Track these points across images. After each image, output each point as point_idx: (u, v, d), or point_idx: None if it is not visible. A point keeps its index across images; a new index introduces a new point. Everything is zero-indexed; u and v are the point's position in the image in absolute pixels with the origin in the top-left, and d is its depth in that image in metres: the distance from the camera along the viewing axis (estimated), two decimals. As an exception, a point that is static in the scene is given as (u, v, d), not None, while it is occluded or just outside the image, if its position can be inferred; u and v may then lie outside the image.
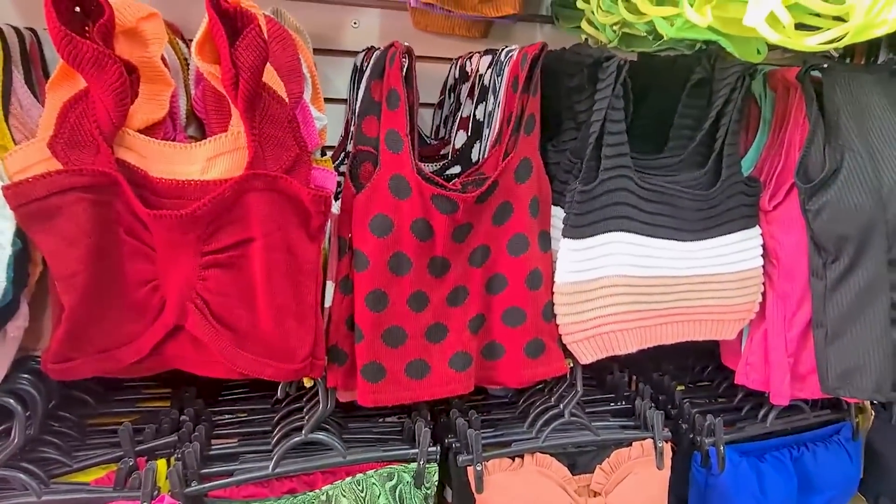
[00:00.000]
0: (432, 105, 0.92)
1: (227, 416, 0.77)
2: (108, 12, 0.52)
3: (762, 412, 0.82)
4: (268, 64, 0.59)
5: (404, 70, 0.62)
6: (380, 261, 0.62)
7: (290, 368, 0.62)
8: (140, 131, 0.58)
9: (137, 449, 0.67)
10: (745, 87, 0.71)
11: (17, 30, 0.63)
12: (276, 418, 0.73)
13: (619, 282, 0.69)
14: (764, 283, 0.77)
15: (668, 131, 0.74)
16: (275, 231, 0.59)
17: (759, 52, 0.73)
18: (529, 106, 0.65)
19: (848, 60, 0.93)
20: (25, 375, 0.62)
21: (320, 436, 0.67)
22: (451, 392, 0.67)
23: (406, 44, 0.62)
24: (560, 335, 0.70)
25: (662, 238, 0.71)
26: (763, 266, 0.76)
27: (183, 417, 0.71)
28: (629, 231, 0.69)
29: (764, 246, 0.76)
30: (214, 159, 0.59)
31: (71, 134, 0.55)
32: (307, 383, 0.68)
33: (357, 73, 0.83)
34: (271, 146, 0.59)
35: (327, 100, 0.87)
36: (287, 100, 0.61)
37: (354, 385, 0.66)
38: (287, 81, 0.64)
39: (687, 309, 0.74)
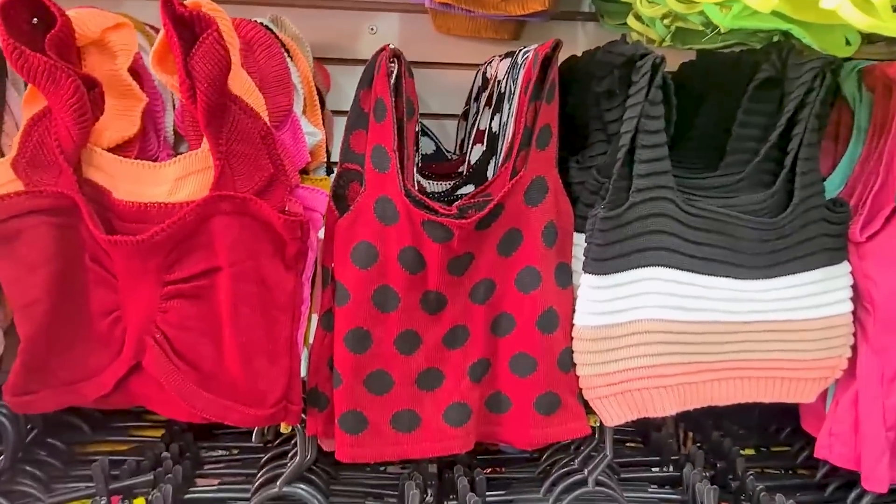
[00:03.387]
0: (456, 116, 0.83)
1: (216, 453, 0.71)
2: (60, 22, 0.48)
3: (853, 496, 0.65)
4: (241, 73, 0.54)
5: (393, 77, 0.54)
6: (362, 295, 0.54)
7: (259, 414, 0.55)
8: (112, 149, 0.54)
9: (115, 486, 0.63)
10: (826, 88, 0.56)
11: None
12: (262, 460, 0.67)
13: (655, 327, 0.56)
14: (854, 334, 0.61)
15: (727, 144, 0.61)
16: (244, 259, 0.53)
17: (848, 42, 0.59)
18: (543, 115, 0.55)
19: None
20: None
21: (298, 489, 0.60)
22: (445, 450, 0.57)
23: (394, 47, 0.54)
24: (580, 389, 0.58)
25: (713, 275, 0.57)
26: (853, 312, 0.60)
27: (165, 454, 0.66)
28: (669, 266, 0.56)
29: (854, 287, 0.60)
30: (183, 179, 0.54)
31: (33, 153, 0.52)
32: (284, 430, 0.61)
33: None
34: (241, 164, 0.53)
35: (344, 112, 0.81)
36: (264, 113, 0.55)
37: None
38: (273, 93, 0.58)
39: (747, 363, 0.59)
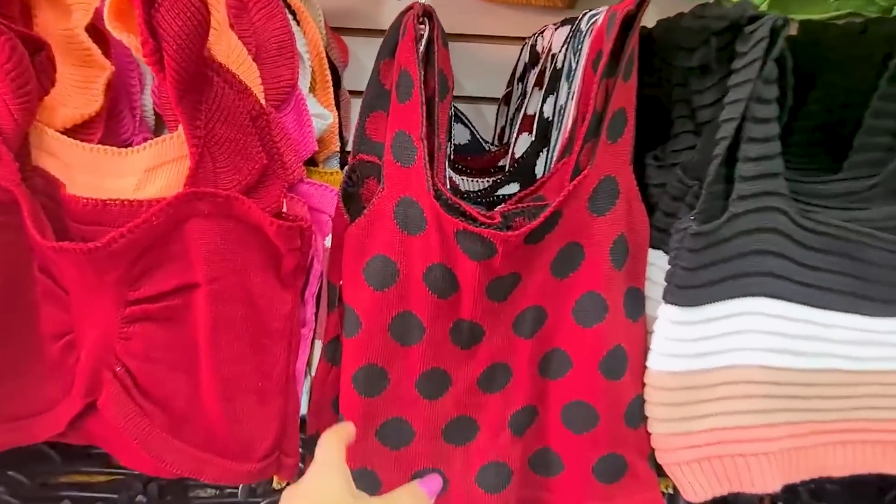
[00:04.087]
0: (496, 101, 0.70)
1: (206, 492, 0.60)
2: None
3: None
4: (230, 37, 0.42)
5: (422, 43, 0.42)
6: (377, 323, 0.42)
7: (244, 469, 0.44)
8: (69, 131, 0.43)
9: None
10: None
11: None
12: (258, 508, 0.56)
13: (756, 375, 0.43)
14: None
15: (851, 139, 0.47)
16: (228, 274, 0.42)
17: None
18: (618, 96, 0.42)
19: None
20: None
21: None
22: (476, 522, 0.45)
23: (425, 2, 0.42)
24: (653, 450, 0.45)
25: (834, 310, 0.44)
26: None
27: (140, 498, 0.56)
28: (777, 297, 0.43)
29: None
30: (154, 171, 0.42)
31: (-31, 136, 0.41)
32: (277, 485, 0.49)
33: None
34: (226, 153, 0.41)
35: (360, 93, 0.69)
36: (259, 88, 0.43)
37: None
38: (272, 64, 0.46)
39: (873, 424, 0.46)
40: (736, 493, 0.45)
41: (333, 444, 0.34)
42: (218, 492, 0.62)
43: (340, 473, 0.32)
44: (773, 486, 0.44)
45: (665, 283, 0.43)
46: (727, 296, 0.43)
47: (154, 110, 0.49)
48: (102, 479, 0.63)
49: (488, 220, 0.41)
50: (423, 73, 0.41)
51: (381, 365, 0.43)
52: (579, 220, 0.43)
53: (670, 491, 0.48)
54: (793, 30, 0.58)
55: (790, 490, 0.63)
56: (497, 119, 0.71)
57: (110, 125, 0.46)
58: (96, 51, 0.43)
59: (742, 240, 0.42)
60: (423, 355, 0.43)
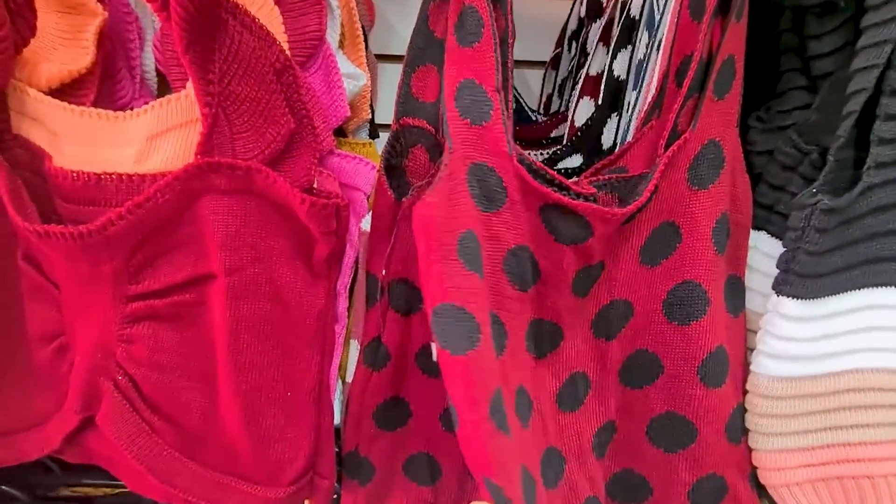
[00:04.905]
0: (542, 65, 0.62)
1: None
2: None
3: None
4: (247, -28, 0.34)
5: (488, -25, 0.34)
6: (486, 320, 0.34)
7: (272, 496, 0.37)
8: (54, 92, 0.36)
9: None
10: None
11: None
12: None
13: (889, 382, 0.36)
14: None
15: None
16: (249, 263, 0.34)
17: None
18: (729, 41, 0.34)
19: None
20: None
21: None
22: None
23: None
24: (756, 470, 0.38)
25: (982, 301, 0.36)
26: None
27: (149, 518, 0.49)
28: (916, 287, 0.35)
29: None
30: (159, 138, 0.35)
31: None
32: (308, 510, 0.42)
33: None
34: (245, 115, 0.34)
35: (390, 57, 0.61)
36: (283, 38, 0.36)
37: (386, 517, 0.39)
38: (296, 11, 0.39)
39: None
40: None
41: None
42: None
43: None
44: (906, 513, 0.37)
45: (777, 271, 0.36)
46: (856, 286, 0.35)
47: (157, 70, 0.42)
48: (108, 491, 0.57)
49: (584, 190, 0.33)
50: (493, 11, 0.33)
51: (500, 386, 0.33)
52: (677, 195, 0.35)
53: (769, 514, 0.40)
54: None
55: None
56: (543, 85, 0.63)
57: (105, 87, 0.39)
58: (85, -8, 0.35)
59: (878, 217, 0.35)
60: (510, 369, 0.35)
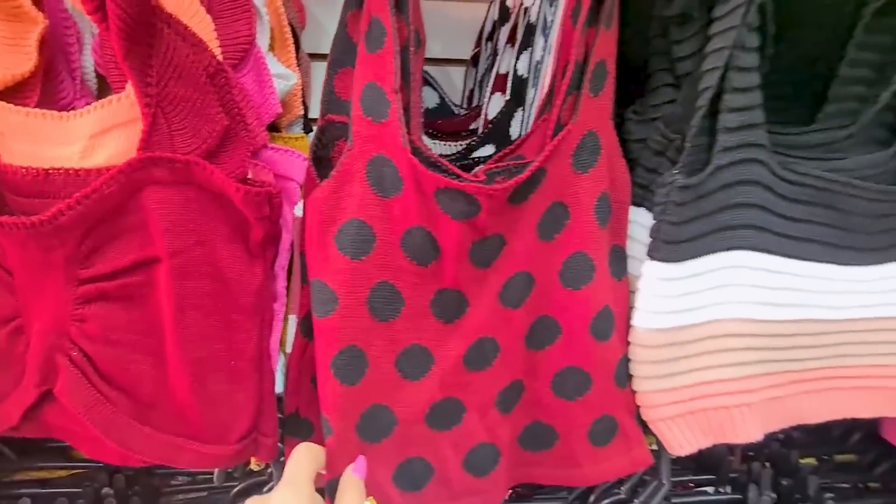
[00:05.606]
0: (464, 62, 0.68)
1: (177, 480, 0.58)
2: None
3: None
4: (179, -15, 0.38)
5: (394, -11, 0.39)
6: (355, 297, 0.39)
7: (220, 453, 0.41)
8: (0, 95, 0.39)
9: (41, 534, 0.49)
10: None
11: None
12: (234, 492, 0.53)
13: (738, 328, 0.43)
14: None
15: (827, 89, 0.47)
16: (191, 247, 0.38)
17: None
18: (600, 46, 0.40)
19: None
20: None
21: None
22: (466, 509, 0.44)
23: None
24: (639, 408, 0.45)
25: (812, 260, 0.44)
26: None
27: (106, 490, 0.53)
28: (759, 249, 0.43)
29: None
30: (101, 136, 0.39)
31: None
32: (255, 466, 0.47)
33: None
34: (182, 114, 0.38)
35: (321, 55, 0.65)
36: (215, 44, 0.40)
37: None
38: (227, 18, 0.43)
39: (847, 370, 0.47)
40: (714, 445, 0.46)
41: (304, 463, 0.34)
42: (191, 479, 0.59)
43: (306, 496, 0.32)
44: (755, 435, 0.45)
45: (649, 240, 0.43)
46: (711, 250, 0.42)
47: (96, 72, 0.45)
48: (63, 473, 0.59)
49: (471, 177, 0.39)
50: (395, 19, 0.38)
51: (360, 346, 0.40)
52: (563, 177, 0.41)
53: (654, 447, 0.48)
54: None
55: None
56: (465, 81, 0.68)
57: (47, 89, 0.42)
58: (27, 2, 0.38)
59: (726, 192, 0.42)
60: (404, 330, 0.41)
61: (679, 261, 0.42)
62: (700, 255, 0.42)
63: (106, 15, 0.33)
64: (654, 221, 0.42)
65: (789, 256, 0.44)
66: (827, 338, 0.46)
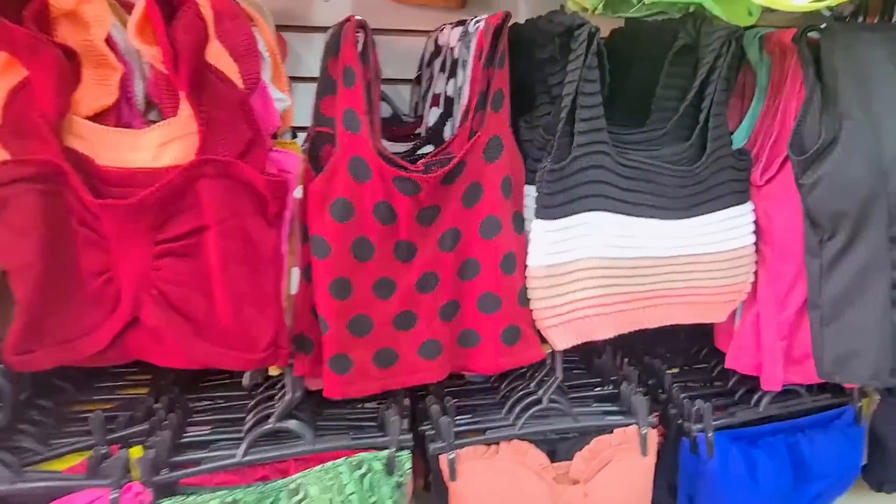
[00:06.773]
0: (410, 81, 0.88)
1: (203, 403, 0.76)
2: (39, -6, 0.50)
3: (756, 397, 0.79)
4: (215, 43, 0.57)
5: (360, 45, 0.59)
6: (342, 247, 0.60)
7: (252, 358, 0.61)
8: (90, 118, 0.57)
9: (111, 437, 0.67)
10: (732, 54, 0.66)
11: None
12: (249, 405, 0.72)
13: (595, 264, 0.66)
14: (756, 263, 0.73)
15: (651, 104, 0.70)
16: (229, 218, 0.58)
17: (750, 13, 0.68)
18: (496, 80, 0.62)
19: (861, 20, 0.87)
20: (-6, 366, 0.62)
21: (290, 423, 0.66)
22: (419, 380, 0.65)
23: (360, 18, 0.59)
24: (534, 320, 0.67)
25: (643, 217, 0.67)
26: (755, 244, 0.72)
27: (157, 405, 0.71)
28: (607, 210, 0.65)
29: (756, 223, 0.72)
30: (166, 145, 0.57)
31: (16, 123, 0.54)
32: (273, 372, 0.67)
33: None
34: (222, 130, 0.57)
35: (299, 78, 0.85)
36: (239, 82, 0.59)
37: (322, 373, 0.64)
38: (242, 62, 0.62)
39: (671, 291, 0.70)
40: (588, 345, 0.68)
41: None
42: (212, 402, 0.77)
43: None
44: (609, 334, 0.68)
45: (535, 206, 0.65)
46: (574, 212, 0.65)
47: (147, 99, 0.63)
48: (110, 405, 0.77)
49: (415, 168, 0.60)
50: (362, 67, 0.58)
51: (346, 277, 0.61)
52: (478, 166, 0.63)
53: (548, 350, 0.70)
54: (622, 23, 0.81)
55: (632, 352, 0.89)
56: (412, 96, 0.89)
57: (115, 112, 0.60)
58: (111, 55, 0.56)
59: (582, 174, 0.64)
60: (376, 268, 0.62)
61: (554, 219, 0.64)
62: (567, 215, 0.64)
63: (178, 68, 0.52)
64: (536, 194, 0.64)
65: (627, 214, 0.66)
66: (655, 269, 0.69)
